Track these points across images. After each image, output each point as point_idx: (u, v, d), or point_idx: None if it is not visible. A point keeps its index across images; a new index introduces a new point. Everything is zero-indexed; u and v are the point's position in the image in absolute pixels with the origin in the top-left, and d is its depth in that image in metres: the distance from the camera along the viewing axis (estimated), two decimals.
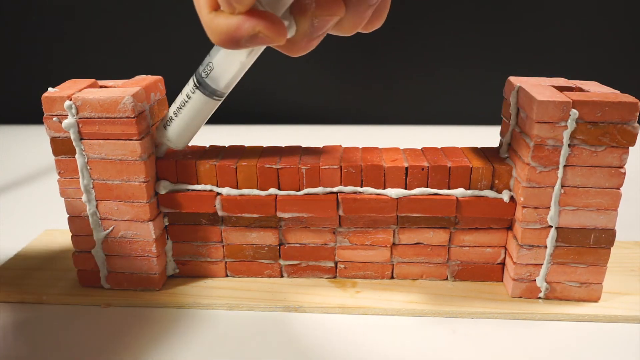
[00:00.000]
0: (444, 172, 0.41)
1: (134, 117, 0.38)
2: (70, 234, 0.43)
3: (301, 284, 0.45)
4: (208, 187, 0.42)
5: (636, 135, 0.37)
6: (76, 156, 0.40)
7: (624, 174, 0.38)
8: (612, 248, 0.40)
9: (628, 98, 0.36)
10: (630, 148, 0.37)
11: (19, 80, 1.02)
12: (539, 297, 0.42)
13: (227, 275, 0.46)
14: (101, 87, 0.43)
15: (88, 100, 0.38)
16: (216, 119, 1.05)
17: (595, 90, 0.39)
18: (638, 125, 0.37)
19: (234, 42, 0.20)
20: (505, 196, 0.41)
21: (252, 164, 0.42)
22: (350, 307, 0.42)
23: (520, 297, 0.43)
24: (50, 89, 0.40)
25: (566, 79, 0.43)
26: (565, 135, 0.37)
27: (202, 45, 1.03)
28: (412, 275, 0.45)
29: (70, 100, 0.38)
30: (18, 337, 0.39)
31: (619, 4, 0.91)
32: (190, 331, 0.40)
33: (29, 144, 0.90)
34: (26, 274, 0.47)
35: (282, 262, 0.45)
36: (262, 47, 0.20)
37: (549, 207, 0.39)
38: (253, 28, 0.20)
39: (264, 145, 0.46)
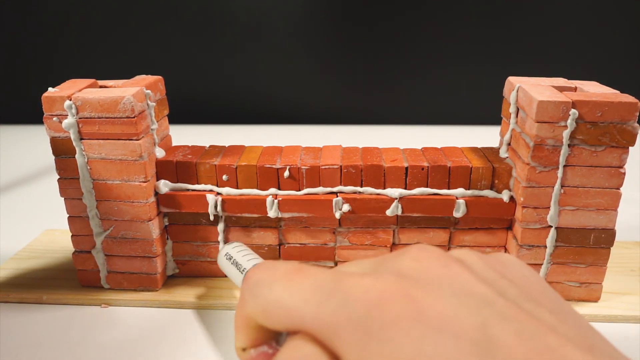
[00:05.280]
0: (444, 172, 0.41)
1: (134, 117, 0.38)
2: (70, 234, 0.43)
3: None
4: (208, 187, 0.42)
5: (636, 135, 0.37)
6: (76, 156, 0.40)
7: (624, 174, 0.38)
8: (612, 248, 0.40)
9: (628, 98, 0.36)
10: (630, 148, 0.37)
11: (19, 80, 1.02)
12: None
13: (227, 275, 0.46)
14: (101, 87, 0.43)
15: (88, 100, 0.38)
16: (216, 119, 1.06)
17: (595, 90, 0.39)
18: (638, 125, 0.37)
19: None
20: (505, 196, 0.41)
21: (252, 164, 0.42)
22: None
23: None
24: (50, 89, 0.40)
25: (566, 79, 0.43)
26: (565, 135, 0.37)
27: (202, 45, 1.04)
28: None
29: (70, 100, 0.38)
30: (18, 337, 0.39)
31: (618, 4, 0.91)
32: (190, 331, 0.40)
33: (29, 144, 0.90)
34: (26, 274, 0.47)
35: None
36: None
37: (549, 207, 0.39)
38: None
39: (264, 145, 0.46)
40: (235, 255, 0.37)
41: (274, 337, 0.22)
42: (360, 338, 0.16)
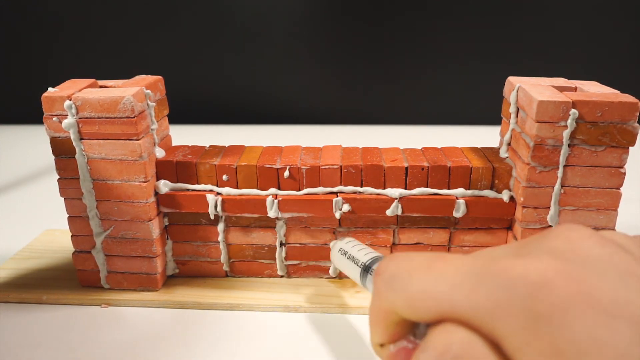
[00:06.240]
0: (444, 172, 0.41)
1: (134, 117, 0.38)
2: (70, 234, 0.43)
3: (301, 284, 0.45)
4: (208, 187, 0.42)
5: (636, 135, 0.37)
6: (76, 156, 0.40)
7: (624, 174, 0.38)
8: None
9: (628, 98, 0.36)
10: (630, 148, 0.37)
11: (19, 80, 1.02)
12: None
13: (227, 275, 0.46)
14: (101, 87, 0.43)
15: (88, 100, 0.38)
16: (216, 119, 1.06)
17: (595, 90, 0.39)
18: (638, 125, 0.37)
19: None
20: (505, 196, 0.41)
21: (252, 164, 0.42)
22: (350, 307, 0.42)
23: None
24: (50, 89, 0.40)
25: (566, 79, 0.43)
26: (565, 135, 0.37)
27: (202, 45, 1.04)
28: None
29: (70, 100, 0.38)
30: (18, 337, 0.39)
31: (618, 4, 0.91)
32: (190, 331, 0.40)
33: (29, 144, 0.90)
34: (26, 274, 0.47)
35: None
36: None
37: (549, 207, 0.39)
38: None
39: (264, 145, 0.46)
40: (350, 250, 0.37)
41: (411, 331, 0.21)
42: (526, 322, 0.15)
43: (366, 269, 0.35)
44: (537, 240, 0.19)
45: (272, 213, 0.42)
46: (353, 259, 0.37)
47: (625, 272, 0.16)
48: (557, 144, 0.37)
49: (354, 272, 0.36)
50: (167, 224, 0.44)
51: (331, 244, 0.43)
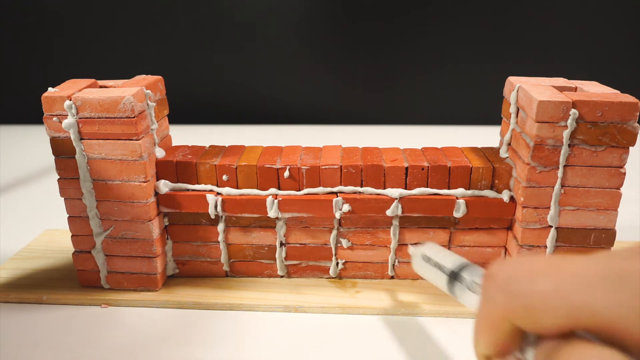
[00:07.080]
0: (444, 172, 0.41)
1: (134, 117, 0.38)
2: (70, 234, 0.43)
3: (301, 284, 0.45)
4: (208, 187, 0.42)
5: (636, 135, 0.37)
6: (76, 156, 0.40)
7: (624, 174, 0.38)
8: (612, 248, 0.40)
9: (628, 98, 0.36)
10: (631, 148, 0.37)
11: (19, 80, 1.02)
12: None
13: (227, 275, 0.46)
14: (101, 87, 0.43)
15: (88, 100, 0.38)
16: (216, 119, 1.06)
17: (595, 90, 0.39)
18: (638, 125, 0.37)
19: None
20: (505, 196, 0.41)
21: (252, 164, 0.42)
22: (350, 307, 0.42)
23: None
24: (50, 89, 0.40)
25: (566, 79, 0.43)
26: (565, 135, 0.37)
27: (201, 45, 1.04)
28: (412, 275, 0.45)
29: (70, 100, 0.38)
30: (18, 337, 0.39)
31: (618, 4, 0.91)
32: (190, 331, 0.40)
33: (29, 144, 0.90)
34: (26, 274, 0.47)
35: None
36: None
37: (549, 207, 0.39)
38: None
39: (264, 145, 0.46)
40: (434, 257, 0.36)
41: (519, 346, 0.20)
42: None
43: (453, 276, 0.33)
44: None
45: (272, 213, 0.42)
46: (438, 266, 0.35)
47: None
48: (557, 144, 0.37)
49: (439, 279, 0.35)
50: (167, 224, 0.44)
51: (410, 251, 0.42)
